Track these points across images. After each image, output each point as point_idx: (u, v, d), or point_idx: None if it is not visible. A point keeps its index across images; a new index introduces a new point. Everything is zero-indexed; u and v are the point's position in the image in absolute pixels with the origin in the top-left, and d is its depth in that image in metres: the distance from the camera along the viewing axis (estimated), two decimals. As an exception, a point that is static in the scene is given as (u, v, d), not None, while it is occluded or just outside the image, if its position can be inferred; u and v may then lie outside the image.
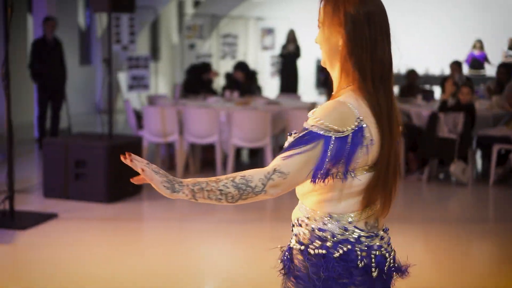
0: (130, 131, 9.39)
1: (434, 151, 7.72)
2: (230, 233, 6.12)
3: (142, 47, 16.14)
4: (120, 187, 7.00)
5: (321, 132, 1.89)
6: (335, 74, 2.07)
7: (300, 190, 2.07)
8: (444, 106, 7.38)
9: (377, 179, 1.99)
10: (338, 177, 1.95)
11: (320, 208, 2.02)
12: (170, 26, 19.34)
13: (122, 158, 1.85)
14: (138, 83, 13.79)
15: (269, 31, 19.45)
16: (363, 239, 2.02)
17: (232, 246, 5.88)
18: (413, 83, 9.94)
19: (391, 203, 2.07)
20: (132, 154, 1.87)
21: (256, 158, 9.29)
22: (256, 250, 5.53)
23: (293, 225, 2.10)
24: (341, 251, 1.99)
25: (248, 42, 19.75)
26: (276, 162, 1.91)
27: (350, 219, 2.02)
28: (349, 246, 2.00)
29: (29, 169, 8.79)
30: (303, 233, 2.04)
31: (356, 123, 1.93)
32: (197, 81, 10.06)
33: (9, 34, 6.04)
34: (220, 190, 1.87)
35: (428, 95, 8.84)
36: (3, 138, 9.55)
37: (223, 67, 20.67)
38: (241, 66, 10.17)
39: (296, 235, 2.07)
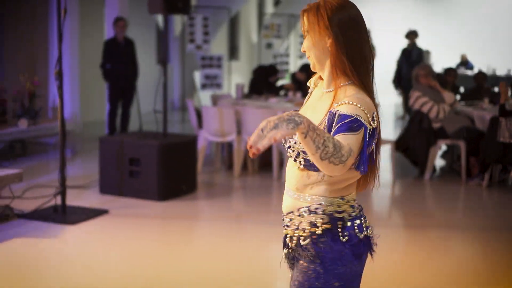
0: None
1: (495, 156, 7.46)
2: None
3: (219, 47, 16.31)
4: (173, 186, 7.10)
5: (364, 122, 2.12)
6: (326, 73, 2.30)
7: (303, 181, 2.26)
8: (503, 110, 7.11)
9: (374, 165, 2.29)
10: (353, 166, 2.16)
11: (333, 194, 2.25)
12: (250, 25, 19.46)
13: (251, 155, 1.94)
14: (211, 82, 13.95)
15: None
16: (362, 212, 2.34)
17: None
18: (481, 85, 9.63)
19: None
20: (252, 145, 1.93)
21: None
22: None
23: (299, 215, 2.28)
24: (356, 227, 2.27)
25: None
26: (345, 142, 2.07)
27: (351, 198, 2.30)
28: (357, 221, 2.28)
29: (94, 165, 9.03)
30: (321, 218, 2.25)
31: (374, 117, 2.17)
32: (263, 82, 10.08)
33: (62, 34, 6.21)
34: (324, 140, 1.98)
35: (496, 98, 8.52)
36: (72, 135, 9.92)
37: (295, 65, 20.63)
38: (305, 68, 10.13)
39: (310, 222, 2.25)
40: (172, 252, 5.50)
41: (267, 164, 8.71)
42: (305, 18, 2.30)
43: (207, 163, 8.96)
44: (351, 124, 2.09)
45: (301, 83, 9.98)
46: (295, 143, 2.25)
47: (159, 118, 7.92)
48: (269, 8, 21.29)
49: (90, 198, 7.08)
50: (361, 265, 2.32)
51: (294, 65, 18.29)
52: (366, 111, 2.14)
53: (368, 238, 2.33)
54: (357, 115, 2.11)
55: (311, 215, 2.26)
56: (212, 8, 14.86)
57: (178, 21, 15.76)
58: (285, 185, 2.39)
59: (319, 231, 2.26)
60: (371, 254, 2.34)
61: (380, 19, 21.37)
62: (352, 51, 2.22)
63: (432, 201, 7.78)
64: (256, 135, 1.93)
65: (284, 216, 2.39)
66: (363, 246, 2.29)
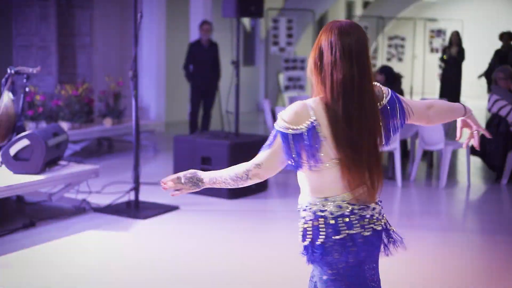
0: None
1: None
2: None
3: (304, 49, 16.43)
4: (242, 184, 7.28)
5: (281, 130, 2.47)
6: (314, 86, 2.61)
7: (299, 181, 2.60)
8: None
9: (346, 168, 2.48)
10: (313, 168, 2.49)
11: (317, 194, 2.55)
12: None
13: (163, 188, 2.74)
14: (294, 84, 14.10)
15: (438, 33, 18.97)
16: (356, 211, 2.53)
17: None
18: None
19: (377, 184, 2.55)
20: (162, 181, 2.71)
21: (389, 161, 9.22)
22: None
23: (299, 210, 2.63)
24: (341, 223, 2.51)
25: (415, 44, 19.39)
26: (256, 156, 2.56)
27: (343, 199, 2.52)
28: (346, 219, 2.51)
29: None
30: (308, 215, 2.56)
31: (309, 123, 2.45)
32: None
33: (138, 38, 6.51)
34: (224, 182, 2.62)
35: None
36: (157, 134, 10.29)
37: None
38: (383, 70, 10.10)
39: (303, 217, 2.58)
40: (240, 249, 5.67)
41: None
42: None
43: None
44: (271, 134, 2.54)
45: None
46: None
47: (246, 119, 8.12)
48: (358, 10, 21.24)
49: (164, 195, 7.35)
50: (353, 258, 2.53)
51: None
52: (285, 122, 2.47)
53: (349, 236, 2.52)
54: (276, 125, 2.51)
55: (303, 211, 2.60)
56: (297, 11, 15.01)
57: (264, 24, 15.99)
58: None
59: (306, 226, 2.56)
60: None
61: (472, 20, 20.96)
62: (327, 74, 2.50)
63: (508, 206, 7.65)
64: (172, 179, 2.69)
65: None
66: (340, 241, 2.52)
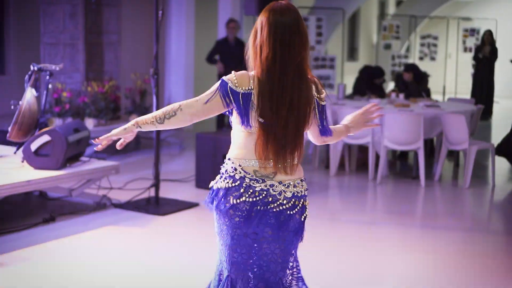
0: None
1: None
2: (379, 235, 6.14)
3: (334, 48, 16.36)
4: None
5: (225, 79, 2.75)
6: None
7: (231, 134, 2.86)
8: None
9: (261, 138, 2.72)
10: (242, 125, 2.74)
11: (229, 155, 2.85)
12: (370, 26, 19.39)
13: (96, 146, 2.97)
14: (323, 83, 14.03)
15: (471, 32, 18.73)
16: (247, 180, 2.77)
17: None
18: None
19: (285, 166, 2.78)
20: (97, 139, 2.95)
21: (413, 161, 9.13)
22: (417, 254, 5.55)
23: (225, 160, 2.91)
24: (227, 185, 2.78)
25: (448, 43, 19.17)
26: (191, 102, 2.80)
27: (244, 164, 2.78)
28: (234, 183, 2.77)
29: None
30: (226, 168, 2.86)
31: (246, 89, 2.73)
32: (367, 83, 10.07)
33: (158, 34, 6.55)
34: (153, 117, 2.79)
35: None
36: (184, 131, 10.33)
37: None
38: (410, 68, 10.03)
39: (224, 167, 2.88)
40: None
41: (364, 164, 8.73)
42: None
43: (306, 162, 9.09)
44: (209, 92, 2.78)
45: (407, 84, 9.89)
46: None
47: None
48: (391, 9, 21.09)
49: (185, 192, 7.40)
50: (229, 224, 2.80)
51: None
52: (234, 74, 2.75)
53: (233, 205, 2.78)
54: (225, 77, 2.77)
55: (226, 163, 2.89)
56: (327, 9, 14.94)
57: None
58: None
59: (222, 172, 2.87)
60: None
61: (506, 19, 20.69)
62: (254, 52, 2.78)
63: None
64: (104, 137, 2.92)
65: None
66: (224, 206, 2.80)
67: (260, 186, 2.77)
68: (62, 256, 5.23)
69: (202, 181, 7.52)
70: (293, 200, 2.83)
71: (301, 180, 2.88)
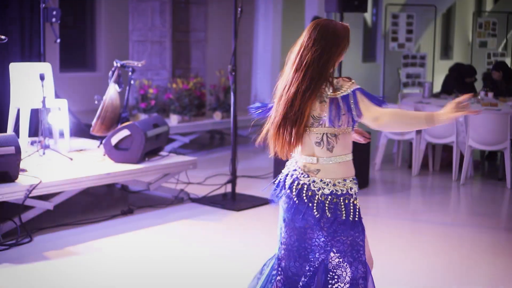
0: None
1: None
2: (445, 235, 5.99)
3: (426, 45, 16.02)
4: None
5: None
6: None
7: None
8: None
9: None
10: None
11: None
12: (466, 24, 18.87)
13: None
14: (412, 81, 13.78)
15: None
16: (297, 173, 3.02)
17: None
18: None
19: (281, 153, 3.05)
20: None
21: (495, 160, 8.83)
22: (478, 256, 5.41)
23: None
24: (282, 176, 3.11)
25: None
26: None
27: (298, 159, 3.04)
28: (287, 176, 3.06)
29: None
30: None
31: None
32: (457, 82, 9.80)
33: (237, 32, 6.60)
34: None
35: None
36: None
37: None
38: (500, 66, 9.68)
39: None
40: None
41: (449, 164, 8.51)
42: None
43: (388, 161, 8.96)
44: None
45: (496, 82, 9.56)
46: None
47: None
48: (489, 6, 20.45)
49: (262, 188, 7.42)
50: (282, 210, 3.12)
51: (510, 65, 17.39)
52: None
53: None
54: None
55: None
56: (419, 6, 14.66)
57: (384, 20, 15.73)
58: None
59: None
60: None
61: None
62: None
63: None
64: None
65: None
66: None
67: (304, 180, 2.99)
68: (134, 248, 5.36)
69: (281, 178, 7.52)
70: (330, 197, 2.94)
71: (344, 180, 2.95)
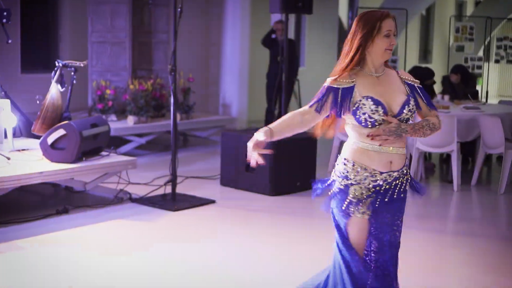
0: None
1: None
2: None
3: (408, 49, 16.02)
4: (286, 181, 7.25)
5: None
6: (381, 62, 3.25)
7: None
8: None
9: None
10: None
11: None
12: (445, 28, 18.88)
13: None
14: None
15: (552, 34, 17.92)
16: None
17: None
18: None
19: None
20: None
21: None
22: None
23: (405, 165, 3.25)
24: None
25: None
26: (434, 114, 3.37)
27: None
28: None
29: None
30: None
31: None
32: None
33: (177, 32, 6.61)
34: (424, 132, 3.29)
35: None
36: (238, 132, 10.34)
37: (492, 70, 19.54)
38: (458, 69, 9.69)
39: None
40: (270, 247, 5.63)
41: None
42: (395, 22, 3.14)
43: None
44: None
45: (454, 85, 9.57)
46: (413, 105, 3.18)
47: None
48: (469, 9, 20.47)
49: (208, 189, 7.43)
50: None
51: (485, 69, 17.38)
52: None
53: None
54: None
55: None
56: (389, 10, 14.67)
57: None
58: (387, 149, 3.13)
59: (408, 176, 3.26)
60: None
61: None
62: None
63: None
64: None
65: (396, 171, 3.17)
66: None
67: None
68: (60, 247, 5.36)
69: (226, 179, 7.54)
70: None
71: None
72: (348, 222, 3.15)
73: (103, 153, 6.84)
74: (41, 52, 10.59)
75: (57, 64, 6.83)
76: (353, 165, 3.12)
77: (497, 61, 18.47)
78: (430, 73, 9.96)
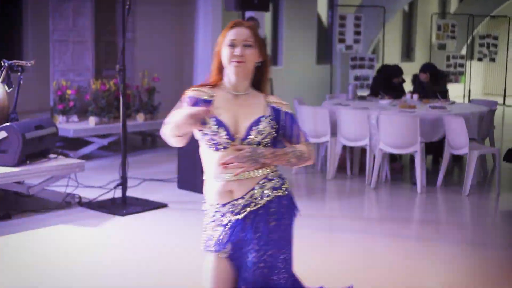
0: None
1: None
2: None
3: (387, 47, 15.81)
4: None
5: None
6: (245, 81, 2.86)
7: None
8: None
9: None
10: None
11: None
12: (427, 26, 18.69)
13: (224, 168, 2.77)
14: (361, 83, 13.59)
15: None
16: None
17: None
18: None
19: None
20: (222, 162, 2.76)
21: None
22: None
23: (261, 186, 2.84)
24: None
25: (510, 43, 18.23)
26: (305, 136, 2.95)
27: None
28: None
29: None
30: (280, 183, 2.89)
31: None
32: (385, 83, 9.61)
33: (125, 29, 6.40)
34: (288, 160, 2.82)
35: None
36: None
37: (476, 68, 19.37)
38: (427, 68, 9.48)
39: (271, 187, 2.84)
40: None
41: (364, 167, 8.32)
42: (249, 31, 2.81)
43: (311, 166, 8.76)
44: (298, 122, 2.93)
45: (424, 84, 9.37)
46: (264, 127, 2.79)
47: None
48: (453, 6, 20.28)
49: (164, 192, 7.22)
50: None
51: (469, 67, 17.21)
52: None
53: None
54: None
55: (271, 181, 2.83)
56: (368, 7, 14.47)
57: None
58: (224, 177, 2.79)
59: (282, 193, 2.85)
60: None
61: None
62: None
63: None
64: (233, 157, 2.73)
65: (241, 198, 2.80)
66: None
67: None
68: (9, 252, 5.16)
69: (184, 182, 7.33)
70: None
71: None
72: (208, 261, 2.90)
73: (51, 155, 6.62)
74: (4, 51, 10.36)
75: (2, 64, 6.61)
76: (204, 203, 2.95)
77: (479, 59, 18.30)
78: (398, 71, 9.75)
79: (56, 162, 6.42)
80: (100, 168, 8.38)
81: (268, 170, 2.82)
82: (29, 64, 6.76)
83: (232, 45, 2.77)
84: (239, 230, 2.79)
